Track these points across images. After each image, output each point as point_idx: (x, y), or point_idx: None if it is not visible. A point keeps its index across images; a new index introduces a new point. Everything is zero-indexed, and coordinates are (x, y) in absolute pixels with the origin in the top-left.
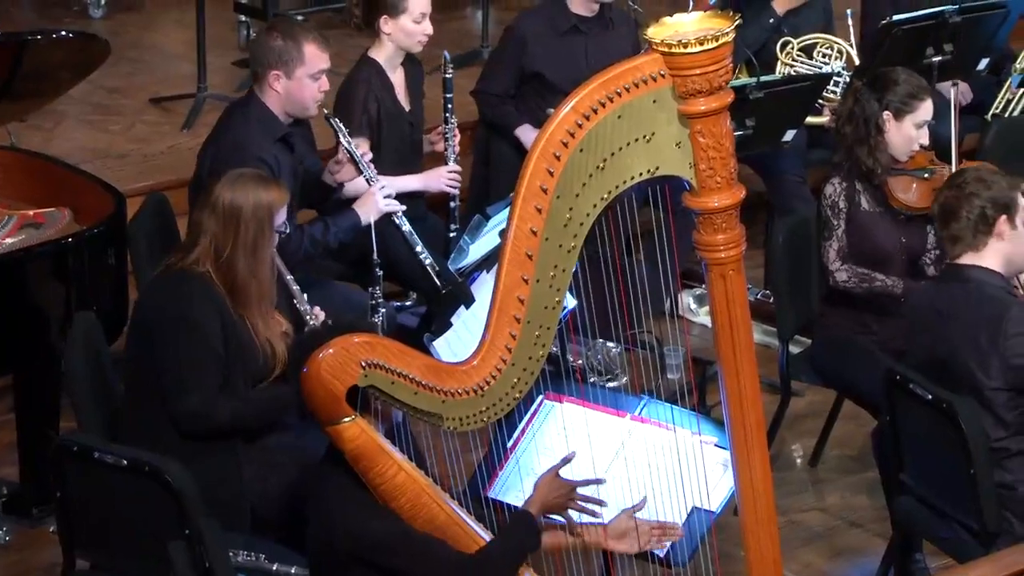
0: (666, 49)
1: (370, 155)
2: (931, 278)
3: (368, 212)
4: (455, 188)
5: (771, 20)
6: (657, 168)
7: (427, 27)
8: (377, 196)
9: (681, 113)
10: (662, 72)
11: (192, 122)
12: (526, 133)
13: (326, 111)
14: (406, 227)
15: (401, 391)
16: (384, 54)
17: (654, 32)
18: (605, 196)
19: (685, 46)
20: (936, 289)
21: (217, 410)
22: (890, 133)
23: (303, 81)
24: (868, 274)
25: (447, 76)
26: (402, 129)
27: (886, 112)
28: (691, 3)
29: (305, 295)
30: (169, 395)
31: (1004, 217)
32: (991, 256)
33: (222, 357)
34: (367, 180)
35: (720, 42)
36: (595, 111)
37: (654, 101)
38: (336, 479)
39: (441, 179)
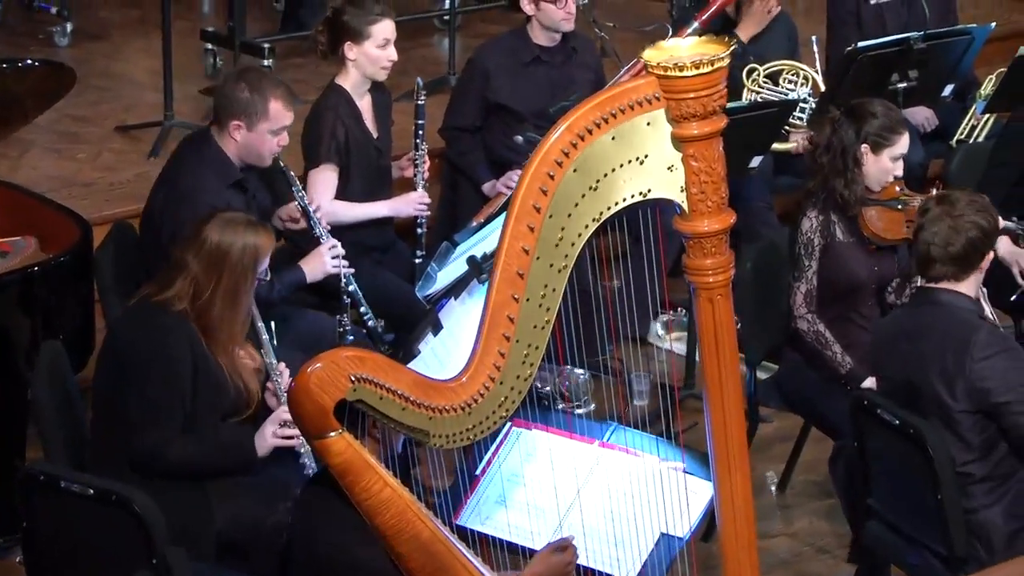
0: (661, 72)
1: (322, 212)
2: (892, 305)
3: (315, 271)
4: (424, 213)
5: (736, 47)
6: (649, 191)
7: (391, 53)
8: (326, 256)
9: (674, 136)
10: (657, 95)
11: (159, 150)
12: (493, 191)
13: (282, 163)
14: (352, 287)
15: (389, 406)
16: (350, 81)
17: (651, 55)
18: (597, 217)
19: (680, 69)
20: (906, 313)
21: (171, 451)
22: (867, 165)
23: (264, 136)
24: (826, 338)
25: (419, 103)
26: (370, 155)
27: (864, 144)
28: (669, 31)
29: (273, 348)
30: (128, 428)
31: (991, 254)
32: (967, 285)
33: (187, 397)
34: (317, 237)
35: (715, 67)
36: (590, 132)
37: (648, 124)
38: (321, 498)
39: (411, 204)
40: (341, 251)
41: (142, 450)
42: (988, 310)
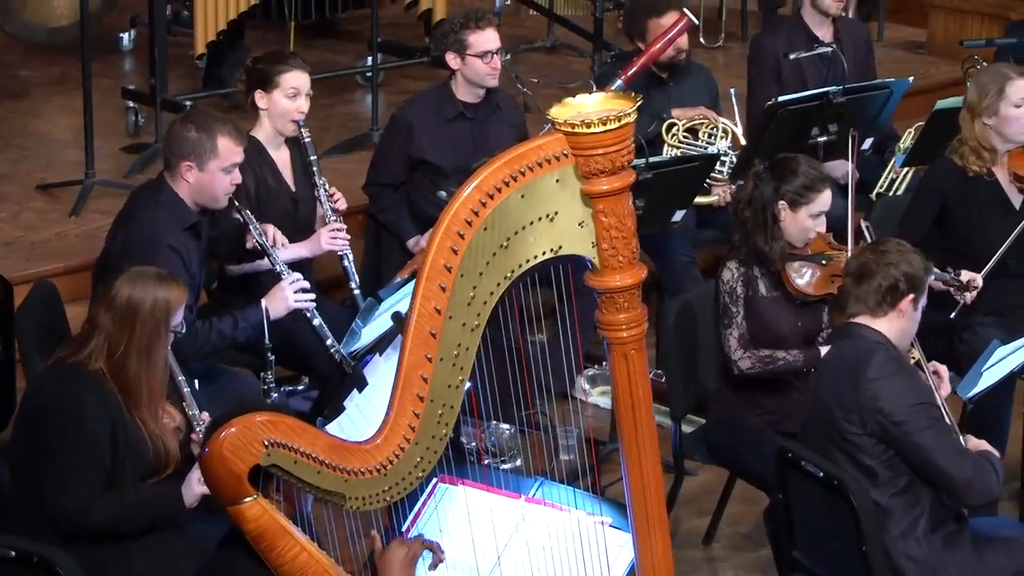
0: (569, 129)
1: (279, 246)
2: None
3: (277, 307)
4: (342, 246)
5: (664, 114)
6: (560, 247)
7: (301, 104)
8: (287, 291)
9: (584, 193)
10: (565, 152)
11: (80, 209)
12: (417, 247)
13: (236, 203)
14: (316, 320)
15: (304, 470)
16: (264, 132)
17: (557, 112)
18: (509, 275)
19: (588, 126)
20: (829, 351)
21: (94, 512)
22: (785, 222)
23: (215, 174)
24: (770, 355)
25: (306, 140)
26: (284, 206)
27: (781, 201)
28: (593, 88)
29: (195, 400)
30: (47, 493)
31: (911, 296)
32: (885, 325)
33: (107, 457)
34: (278, 273)
35: (622, 122)
36: (499, 190)
37: (557, 180)
38: (238, 561)
39: (323, 238)
40: (305, 284)
41: (62, 515)
42: (919, 355)
